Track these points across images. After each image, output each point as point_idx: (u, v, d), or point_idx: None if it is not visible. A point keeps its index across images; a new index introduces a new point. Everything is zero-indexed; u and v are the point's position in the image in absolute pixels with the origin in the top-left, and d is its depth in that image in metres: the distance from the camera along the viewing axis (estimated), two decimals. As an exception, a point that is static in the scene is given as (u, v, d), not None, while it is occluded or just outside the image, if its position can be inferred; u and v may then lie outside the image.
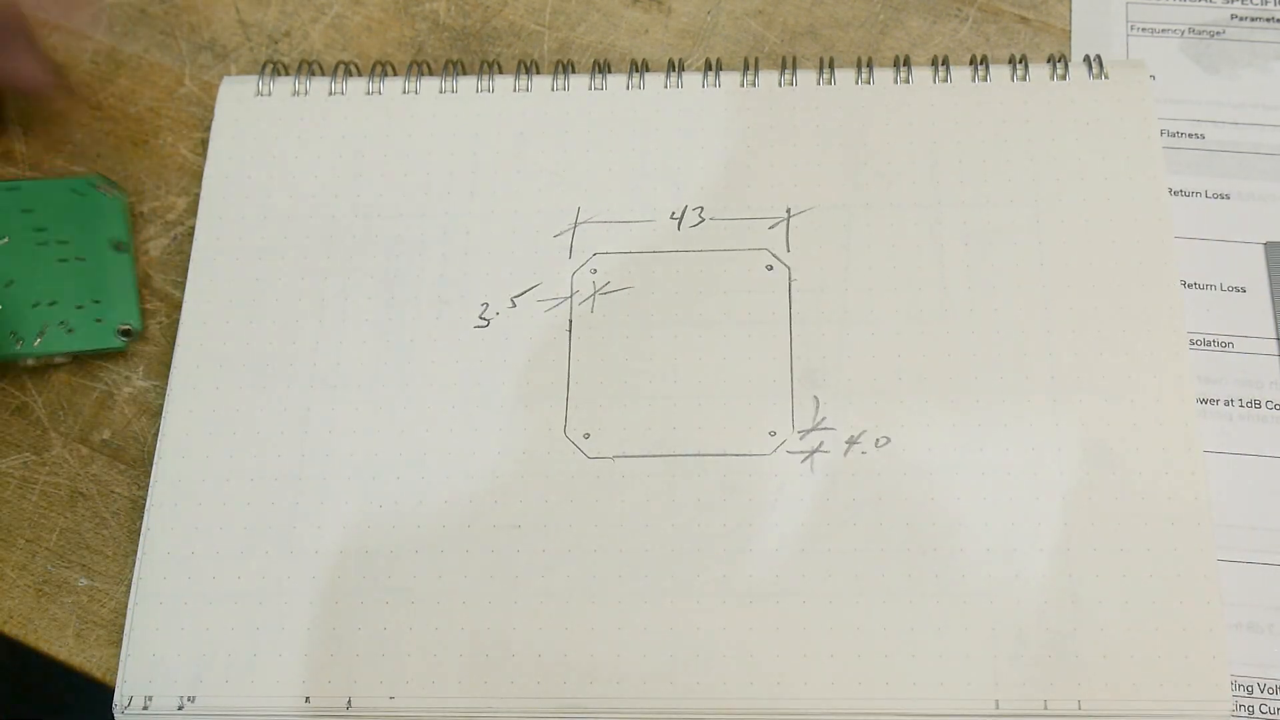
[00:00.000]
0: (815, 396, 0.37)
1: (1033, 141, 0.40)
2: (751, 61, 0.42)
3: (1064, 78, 0.40)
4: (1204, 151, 0.41)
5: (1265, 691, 0.34)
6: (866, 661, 0.34)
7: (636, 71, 0.42)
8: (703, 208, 0.40)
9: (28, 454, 0.39)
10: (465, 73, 0.42)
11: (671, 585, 0.35)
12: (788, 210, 0.39)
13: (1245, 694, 0.34)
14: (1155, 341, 0.37)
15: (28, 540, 0.38)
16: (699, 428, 0.37)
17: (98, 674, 0.36)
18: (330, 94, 0.42)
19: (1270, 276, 0.39)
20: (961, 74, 0.41)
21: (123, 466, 0.38)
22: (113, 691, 0.35)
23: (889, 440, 0.36)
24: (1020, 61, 0.41)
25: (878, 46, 0.43)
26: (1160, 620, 0.34)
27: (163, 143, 0.43)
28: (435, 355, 0.38)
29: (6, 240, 0.38)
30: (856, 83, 0.41)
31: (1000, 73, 0.41)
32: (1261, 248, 0.39)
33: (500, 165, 0.41)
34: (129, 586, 0.36)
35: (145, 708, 0.35)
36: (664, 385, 0.37)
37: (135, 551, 0.37)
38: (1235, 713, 0.34)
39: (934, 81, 0.41)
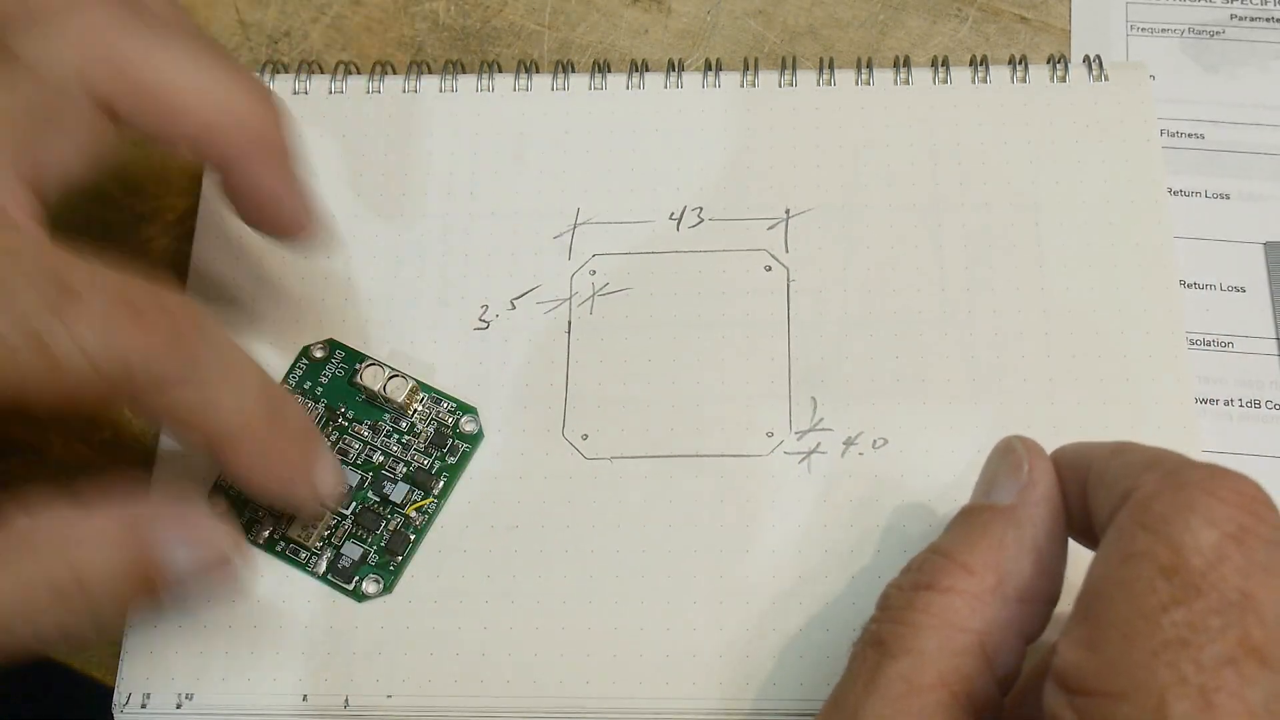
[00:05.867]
0: (813, 397, 0.37)
1: (1033, 142, 0.40)
2: (751, 61, 0.42)
3: (1064, 78, 0.40)
4: (1204, 151, 0.41)
5: (1264, 693, 0.34)
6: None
7: (636, 71, 0.42)
8: (702, 208, 0.40)
9: (28, 454, 0.39)
10: (465, 72, 0.42)
11: (668, 586, 0.35)
12: (787, 211, 0.39)
13: (1244, 695, 0.34)
14: (1155, 341, 0.37)
15: (28, 539, 0.38)
16: (696, 429, 0.37)
17: (97, 673, 0.36)
18: (330, 93, 0.42)
19: (1270, 276, 0.39)
20: (961, 74, 0.41)
21: (123, 466, 0.38)
22: (111, 690, 0.35)
23: (886, 441, 0.36)
24: (1020, 62, 0.41)
25: (878, 46, 0.43)
26: (1157, 622, 0.34)
27: (163, 142, 0.43)
28: (435, 356, 0.38)
29: None
30: (856, 83, 0.41)
31: (1000, 73, 0.41)
32: (1261, 248, 0.39)
33: (500, 165, 0.41)
34: (129, 585, 0.36)
35: (144, 705, 0.35)
36: (662, 386, 0.37)
37: (135, 551, 0.37)
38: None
39: (934, 82, 0.41)
